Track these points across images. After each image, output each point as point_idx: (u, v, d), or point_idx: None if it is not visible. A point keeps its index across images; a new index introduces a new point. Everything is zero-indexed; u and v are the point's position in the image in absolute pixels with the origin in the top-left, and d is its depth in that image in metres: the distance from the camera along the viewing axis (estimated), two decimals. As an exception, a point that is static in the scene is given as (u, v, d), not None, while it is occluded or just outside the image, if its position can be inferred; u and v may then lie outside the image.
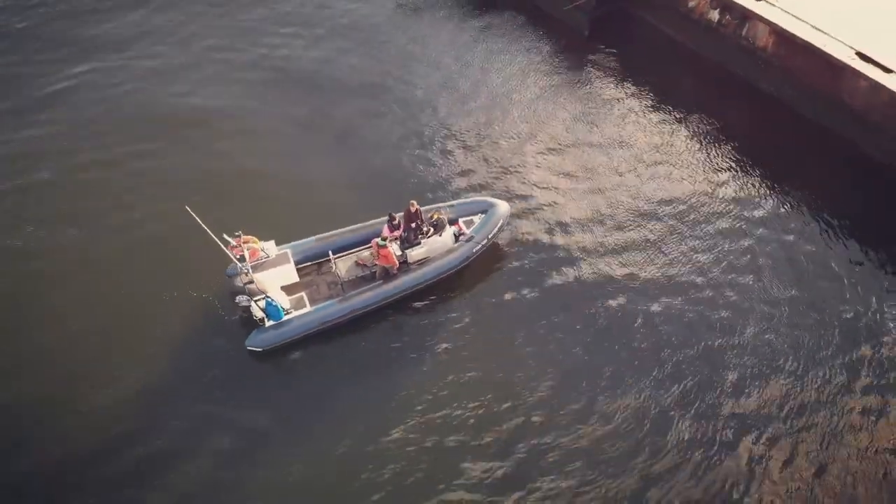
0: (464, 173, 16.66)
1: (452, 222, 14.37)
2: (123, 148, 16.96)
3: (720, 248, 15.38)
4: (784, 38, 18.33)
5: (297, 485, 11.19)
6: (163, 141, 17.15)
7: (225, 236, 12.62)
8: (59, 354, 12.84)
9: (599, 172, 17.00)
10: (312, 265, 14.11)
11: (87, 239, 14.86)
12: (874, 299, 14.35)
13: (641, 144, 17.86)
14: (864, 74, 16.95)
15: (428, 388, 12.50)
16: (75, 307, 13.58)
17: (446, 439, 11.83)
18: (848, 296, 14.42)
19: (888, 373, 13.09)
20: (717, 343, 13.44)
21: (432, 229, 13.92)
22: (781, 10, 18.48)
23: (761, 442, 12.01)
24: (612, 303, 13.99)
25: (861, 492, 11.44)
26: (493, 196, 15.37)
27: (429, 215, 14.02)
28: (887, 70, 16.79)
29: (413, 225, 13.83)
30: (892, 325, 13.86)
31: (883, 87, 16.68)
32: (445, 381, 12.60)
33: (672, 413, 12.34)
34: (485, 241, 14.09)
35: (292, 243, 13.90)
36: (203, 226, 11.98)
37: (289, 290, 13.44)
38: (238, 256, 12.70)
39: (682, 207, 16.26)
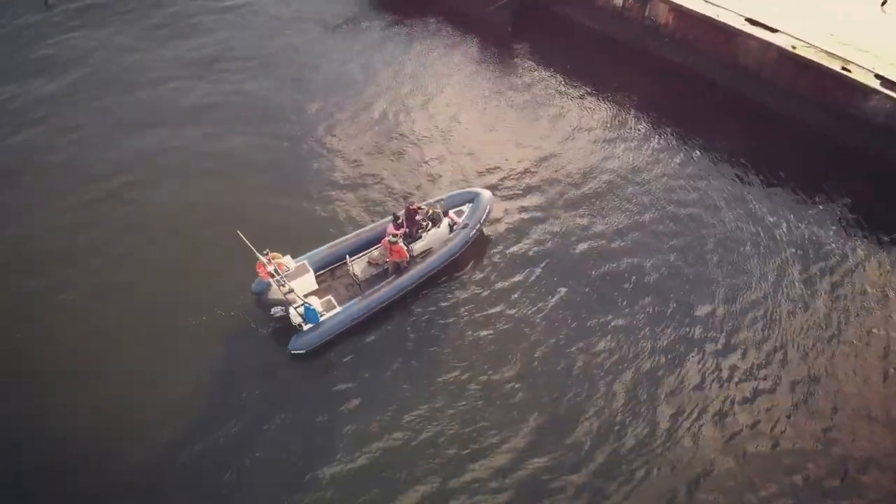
0: (432, 170, 18.31)
1: (444, 214, 16.06)
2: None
3: (654, 193, 17.99)
4: (682, 14, 21.10)
5: (372, 471, 12.47)
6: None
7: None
8: (109, 378, 13.49)
9: (545, 149, 19.06)
10: (326, 271, 15.42)
11: (109, 267, 15.57)
12: (789, 216, 17.36)
13: (574, 120, 20.08)
14: (754, 36, 19.93)
15: (453, 361, 14.09)
16: (115, 335, 14.31)
17: (494, 400, 13.54)
18: (755, 218, 17.35)
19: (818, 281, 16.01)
20: (670, 264, 15.92)
21: (430, 223, 15.57)
22: (676, -10, 21.28)
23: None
24: (582, 248, 16.22)
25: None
26: (473, 186, 17.18)
27: (425, 211, 15.65)
28: (773, 30, 19.84)
29: (414, 221, 15.43)
30: (806, 236, 16.86)
31: (771, 44, 19.71)
32: (468, 354, 14.24)
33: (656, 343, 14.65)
34: (477, 226, 15.86)
35: (307, 254, 15.14)
36: (251, 246, 13.08)
37: (309, 295, 14.72)
38: (271, 270, 13.91)
39: (618, 165, 18.68)
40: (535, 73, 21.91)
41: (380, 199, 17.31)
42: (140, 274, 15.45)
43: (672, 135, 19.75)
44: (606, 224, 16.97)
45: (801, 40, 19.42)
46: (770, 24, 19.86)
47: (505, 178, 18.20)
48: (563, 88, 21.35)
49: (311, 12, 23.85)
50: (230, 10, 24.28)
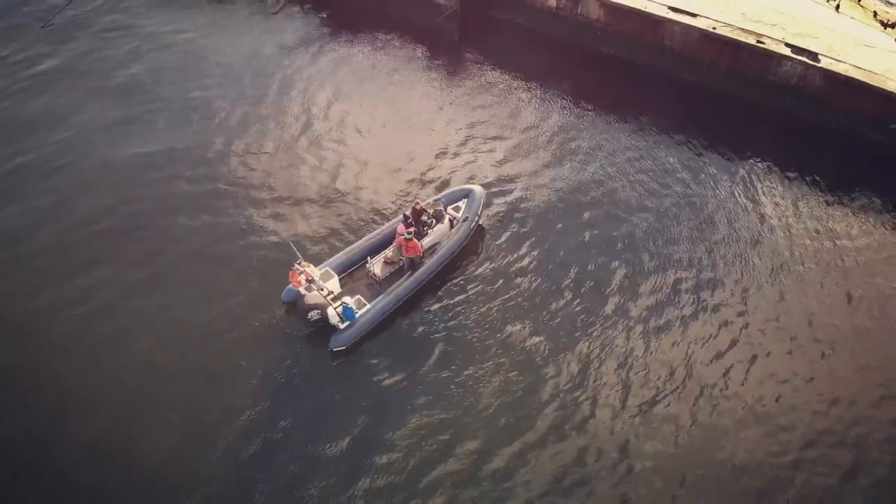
0: (414, 176, 19.80)
1: (444, 211, 17.70)
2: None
3: (614, 167, 20.34)
4: (611, 8, 23.46)
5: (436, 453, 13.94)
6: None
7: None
8: (169, 394, 14.39)
9: (509, 142, 20.98)
10: (346, 274, 16.75)
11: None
12: (725, 174, 20.23)
13: (528, 115, 22.04)
14: (678, 22, 22.52)
15: (477, 339, 15.73)
16: (164, 350, 15.24)
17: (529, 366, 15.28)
18: (697, 178, 20.11)
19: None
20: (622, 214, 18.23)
21: (434, 220, 17.20)
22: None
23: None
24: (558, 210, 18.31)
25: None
26: (466, 183, 18.88)
27: (429, 210, 17.25)
28: (693, 15, 22.48)
29: (421, 219, 17.00)
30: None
31: (693, 27, 22.34)
32: (489, 330, 15.94)
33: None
34: (476, 218, 17.58)
35: (327, 261, 16.44)
36: (298, 253, 14.44)
37: (335, 298, 16.04)
38: (305, 278, 15.20)
39: (574, 147, 20.96)
40: (486, 75, 23.77)
41: (371, 208, 18.63)
42: (173, 296, 16.37)
43: (615, 117, 22.16)
44: (576, 200, 19.18)
45: (719, 21, 22.11)
46: (690, 10, 22.46)
47: (481, 172, 19.96)
48: (513, 87, 23.29)
49: (265, 40, 24.76)
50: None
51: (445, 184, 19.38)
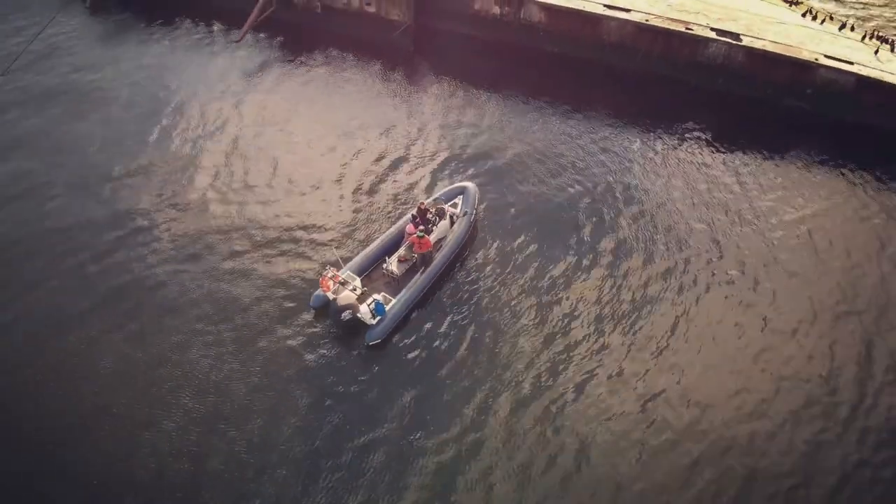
0: (399, 178, 21.32)
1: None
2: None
3: (560, 147, 22.56)
4: (552, 10, 25.65)
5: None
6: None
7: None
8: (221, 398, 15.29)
9: (476, 138, 22.78)
10: (364, 276, 18.05)
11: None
12: (669, 148, 22.63)
13: (486, 115, 23.85)
14: (614, 17, 24.91)
15: (495, 320, 17.37)
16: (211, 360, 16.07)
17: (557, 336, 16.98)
18: (644, 155, 22.40)
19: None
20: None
21: (438, 217, 18.74)
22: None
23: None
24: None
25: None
26: (459, 181, 20.46)
27: (433, 208, 18.77)
28: (627, 10, 24.94)
29: (427, 217, 18.49)
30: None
31: (628, 21, 24.78)
32: (506, 311, 17.62)
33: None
34: (474, 212, 19.22)
35: (347, 266, 17.68)
36: (340, 259, 15.51)
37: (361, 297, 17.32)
38: (338, 282, 16.46)
39: (531, 139, 22.91)
40: (443, 82, 25.46)
41: (368, 215, 19.87)
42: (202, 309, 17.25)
43: (567, 108, 24.28)
44: (547, 183, 21.16)
45: (651, 14, 24.65)
46: (624, 7, 24.92)
47: (461, 170, 21.63)
48: (470, 90, 25.06)
49: (231, 66, 25.64)
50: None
51: (433, 184, 20.86)
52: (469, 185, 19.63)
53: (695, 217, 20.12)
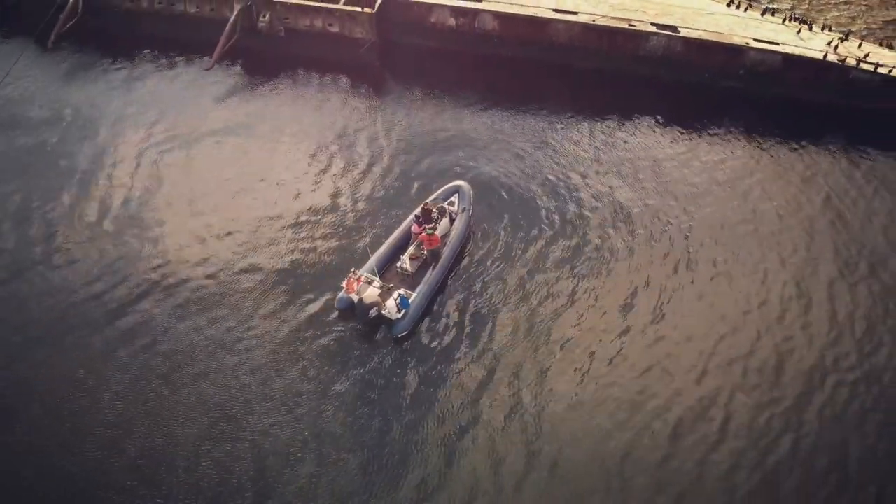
0: (392, 185, 22.72)
1: (443, 207, 20.75)
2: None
3: (524, 142, 24.42)
4: (504, 18, 27.52)
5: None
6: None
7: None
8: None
9: (449, 141, 24.35)
10: (379, 276, 19.33)
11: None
12: (617, 133, 24.95)
13: (448, 118, 25.52)
14: (562, 20, 27.07)
15: (508, 302, 18.94)
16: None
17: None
18: (595, 143, 24.61)
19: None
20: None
21: (439, 215, 20.21)
22: (494, 3, 27.76)
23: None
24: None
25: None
26: (452, 180, 21.96)
27: (434, 208, 20.21)
28: (574, 13, 27.14)
29: (430, 217, 19.94)
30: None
31: (575, 23, 26.96)
32: (516, 294, 19.25)
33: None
34: (471, 208, 20.80)
35: (364, 267, 18.93)
36: (373, 265, 16.78)
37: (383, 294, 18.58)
38: (360, 285, 17.73)
39: (493, 136, 24.72)
40: (410, 92, 26.94)
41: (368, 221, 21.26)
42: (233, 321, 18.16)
43: (524, 106, 26.05)
44: (521, 175, 22.95)
45: (595, 14, 26.94)
46: (571, 10, 27.13)
47: (446, 170, 23.17)
48: (433, 98, 26.63)
49: (201, 96, 26.35)
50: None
51: (421, 185, 22.25)
52: (462, 183, 21.20)
53: (652, 194, 22.30)
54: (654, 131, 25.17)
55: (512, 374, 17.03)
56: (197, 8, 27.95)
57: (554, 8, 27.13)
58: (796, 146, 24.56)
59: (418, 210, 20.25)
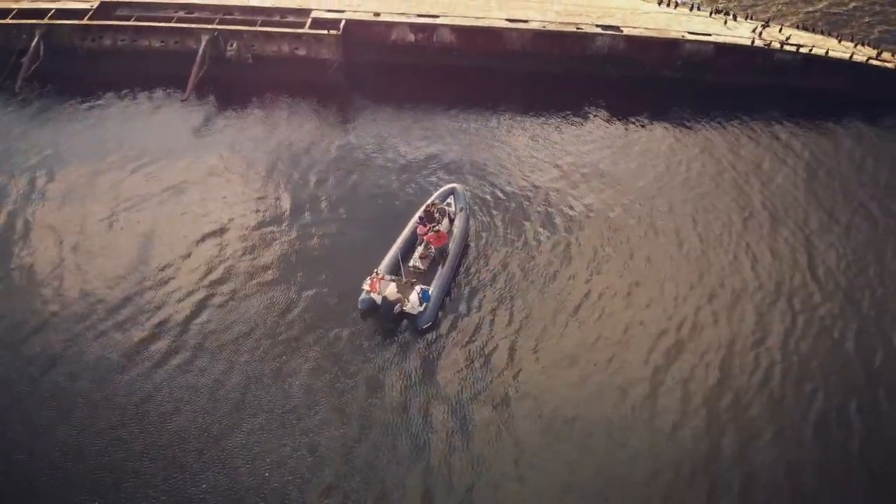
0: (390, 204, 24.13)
1: (442, 208, 22.25)
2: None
3: (489, 144, 26.29)
4: (460, 31, 29.38)
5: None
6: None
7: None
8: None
9: (420, 151, 25.75)
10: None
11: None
12: (570, 128, 27.24)
13: (417, 129, 26.84)
14: (514, 29, 29.16)
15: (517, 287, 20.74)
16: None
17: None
18: (548, 138, 26.75)
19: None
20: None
21: (441, 216, 21.71)
22: (450, 17, 29.59)
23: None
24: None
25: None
26: (446, 182, 23.46)
27: (434, 209, 21.70)
28: (525, 21, 29.30)
29: (433, 217, 21.42)
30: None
31: (526, 30, 29.13)
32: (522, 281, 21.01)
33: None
34: (468, 207, 22.33)
35: (380, 266, 20.16)
36: (403, 266, 18.10)
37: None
38: (382, 283, 19.07)
39: (461, 141, 26.31)
40: (379, 109, 28.28)
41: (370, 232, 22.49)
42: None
43: (487, 112, 27.84)
44: (494, 176, 24.58)
45: (545, 20, 29.18)
46: (522, 18, 29.28)
47: (426, 178, 24.73)
48: (399, 111, 28.05)
49: (181, 123, 26.95)
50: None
51: (410, 190, 23.77)
52: (456, 185, 22.81)
53: (608, 180, 24.54)
54: (604, 124, 27.51)
55: (531, 349, 18.67)
56: (161, 42, 28.48)
57: (506, 18, 29.15)
58: (732, 125, 27.42)
59: (420, 213, 21.64)
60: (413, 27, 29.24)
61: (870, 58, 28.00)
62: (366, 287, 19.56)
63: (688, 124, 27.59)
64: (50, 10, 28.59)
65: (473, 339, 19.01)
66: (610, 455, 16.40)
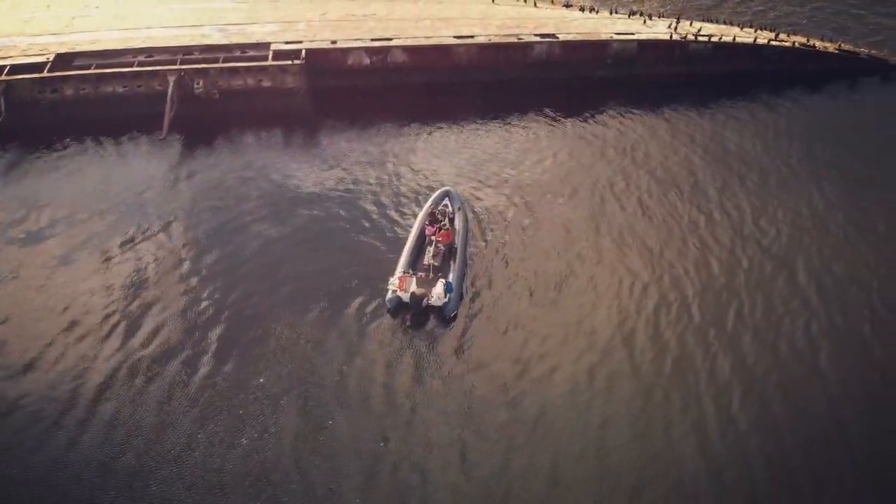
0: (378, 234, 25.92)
1: (438, 210, 24.25)
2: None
3: (451, 153, 28.51)
4: (412, 50, 31.54)
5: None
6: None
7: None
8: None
9: (388, 165, 27.69)
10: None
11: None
12: (519, 130, 30.12)
13: (387, 146, 28.69)
14: (462, 44, 31.65)
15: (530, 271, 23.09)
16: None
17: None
18: (511, 146, 29.39)
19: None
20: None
21: (442, 216, 23.75)
22: (402, 38, 31.75)
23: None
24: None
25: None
26: (438, 186, 25.40)
27: (437, 211, 23.68)
28: (471, 36, 31.90)
29: (436, 218, 23.41)
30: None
31: (473, 44, 31.69)
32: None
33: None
34: (464, 205, 24.34)
35: (400, 266, 21.97)
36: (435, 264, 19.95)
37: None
38: (408, 280, 20.92)
39: (424, 154, 28.39)
40: (345, 130, 29.92)
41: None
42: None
43: (442, 124, 29.95)
44: (473, 178, 26.94)
45: (489, 34, 31.90)
46: (468, 34, 31.88)
47: (403, 192, 26.76)
48: (362, 129, 29.69)
49: (160, 161, 27.71)
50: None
51: (394, 206, 25.46)
52: (448, 188, 24.89)
53: (557, 178, 27.17)
54: (548, 124, 30.24)
55: (549, 332, 20.89)
56: (125, 87, 29.03)
57: (454, 35, 31.64)
58: (660, 110, 30.98)
59: (421, 217, 23.63)
60: (368, 51, 31.17)
61: (770, 40, 32.40)
62: (392, 287, 21.24)
63: (622, 113, 30.90)
64: (5, 66, 28.43)
65: (496, 317, 21.10)
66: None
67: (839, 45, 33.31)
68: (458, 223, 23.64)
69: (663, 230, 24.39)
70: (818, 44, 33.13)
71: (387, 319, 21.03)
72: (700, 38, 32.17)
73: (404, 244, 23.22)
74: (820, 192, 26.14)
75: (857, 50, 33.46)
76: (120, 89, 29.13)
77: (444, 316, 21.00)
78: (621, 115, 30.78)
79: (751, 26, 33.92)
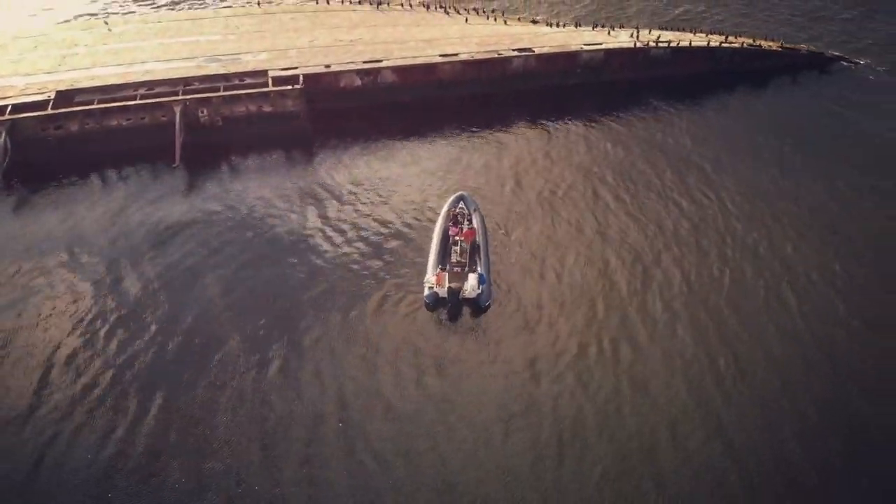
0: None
1: (453, 213, 26.12)
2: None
3: (446, 166, 31.00)
4: (400, 70, 33.41)
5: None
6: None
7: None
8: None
9: (386, 181, 29.99)
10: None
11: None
12: (504, 147, 32.57)
13: (392, 157, 31.00)
14: (447, 62, 33.72)
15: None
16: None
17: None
18: (491, 154, 32.20)
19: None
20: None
21: (461, 218, 25.63)
22: (390, 59, 33.65)
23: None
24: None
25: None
26: (449, 192, 27.28)
27: (456, 213, 25.54)
28: (455, 54, 34.09)
29: (457, 220, 25.25)
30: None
31: (457, 61, 33.84)
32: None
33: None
34: (478, 206, 26.29)
35: (432, 265, 23.67)
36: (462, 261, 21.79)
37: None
38: (445, 275, 22.68)
39: (417, 168, 30.92)
40: (345, 150, 31.46)
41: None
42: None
43: (430, 137, 31.92)
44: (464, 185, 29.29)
45: (471, 51, 34.17)
46: (452, 52, 34.05)
47: (400, 208, 28.60)
48: (360, 147, 31.50)
49: (177, 188, 28.24)
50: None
51: (404, 211, 27.29)
52: (463, 192, 26.84)
53: (536, 183, 29.87)
54: (528, 131, 32.67)
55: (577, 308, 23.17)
56: (128, 119, 29.83)
57: (439, 54, 33.75)
58: (626, 112, 33.94)
59: (441, 220, 25.47)
60: (359, 72, 32.88)
61: (721, 42, 35.85)
62: (429, 283, 22.95)
63: (593, 117, 33.61)
64: (6, 106, 28.90)
65: (526, 308, 23.18)
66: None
67: (781, 44, 37.06)
68: (476, 222, 25.53)
69: (637, 216, 27.16)
70: (763, 43, 36.79)
71: (424, 313, 22.80)
72: (660, 44, 35.25)
73: (429, 247, 24.92)
74: (768, 176, 29.84)
75: (797, 46, 37.28)
76: (124, 122, 29.86)
77: (479, 305, 22.79)
78: (591, 118, 33.51)
79: (702, 31, 37.28)
